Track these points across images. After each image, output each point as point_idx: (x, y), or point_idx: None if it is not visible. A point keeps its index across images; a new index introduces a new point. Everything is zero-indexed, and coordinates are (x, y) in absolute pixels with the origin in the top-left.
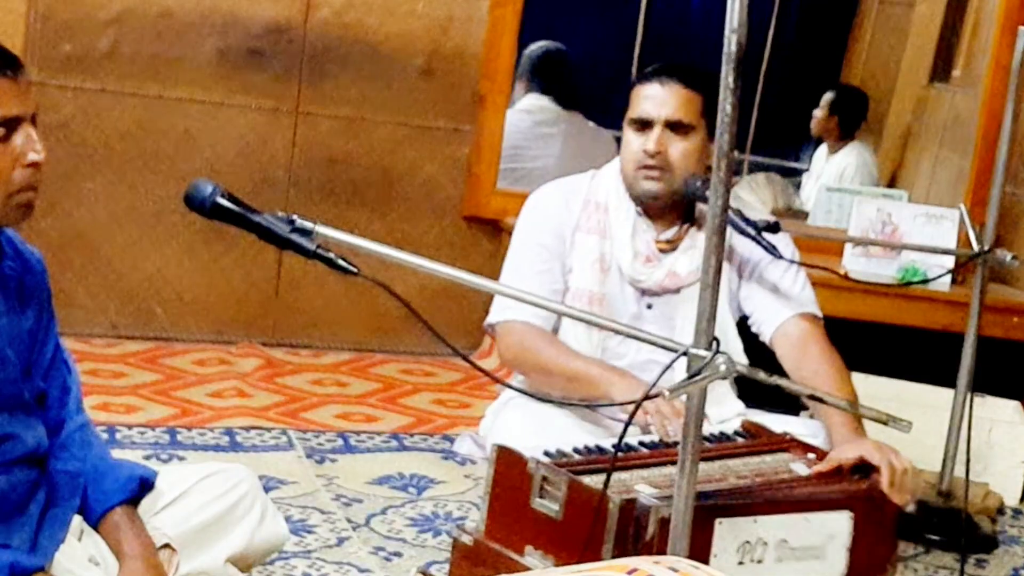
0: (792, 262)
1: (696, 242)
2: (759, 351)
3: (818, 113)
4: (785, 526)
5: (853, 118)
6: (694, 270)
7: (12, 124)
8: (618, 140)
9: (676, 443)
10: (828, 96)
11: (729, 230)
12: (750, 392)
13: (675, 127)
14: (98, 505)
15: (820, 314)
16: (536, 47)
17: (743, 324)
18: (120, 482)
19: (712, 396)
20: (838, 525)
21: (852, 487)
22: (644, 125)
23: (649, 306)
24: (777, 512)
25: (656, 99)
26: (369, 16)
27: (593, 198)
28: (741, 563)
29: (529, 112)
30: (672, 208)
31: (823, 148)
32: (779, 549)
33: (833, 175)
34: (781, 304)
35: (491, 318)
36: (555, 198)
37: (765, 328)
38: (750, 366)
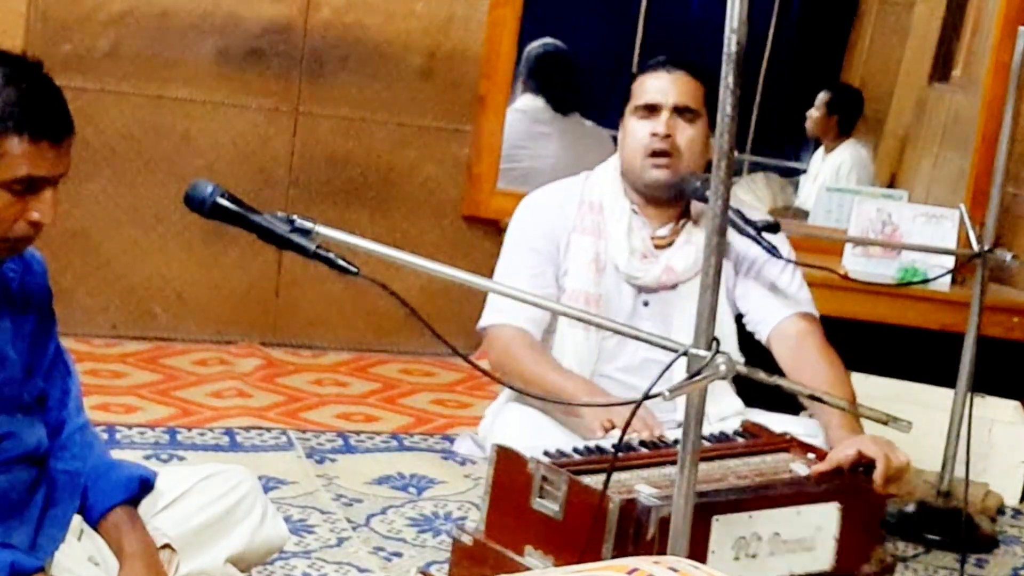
0: (789, 261)
1: (692, 237)
2: (753, 348)
3: (814, 113)
4: (777, 520)
5: (849, 116)
6: (690, 265)
7: (35, 184)
8: (615, 139)
9: (676, 442)
10: (823, 96)
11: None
12: (748, 390)
13: (682, 112)
14: (98, 505)
15: (817, 314)
16: (535, 46)
17: (737, 322)
18: (120, 482)
19: (710, 394)
20: (826, 516)
21: (839, 479)
22: (651, 110)
23: (646, 303)
24: (770, 506)
25: (663, 86)
26: (369, 16)
27: (587, 198)
28: (736, 558)
29: (524, 112)
30: (668, 204)
31: (820, 148)
32: (772, 543)
33: (829, 173)
34: (778, 303)
35: (482, 321)
36: (549, 202)
37: (762, 327)
38: (748, 365)
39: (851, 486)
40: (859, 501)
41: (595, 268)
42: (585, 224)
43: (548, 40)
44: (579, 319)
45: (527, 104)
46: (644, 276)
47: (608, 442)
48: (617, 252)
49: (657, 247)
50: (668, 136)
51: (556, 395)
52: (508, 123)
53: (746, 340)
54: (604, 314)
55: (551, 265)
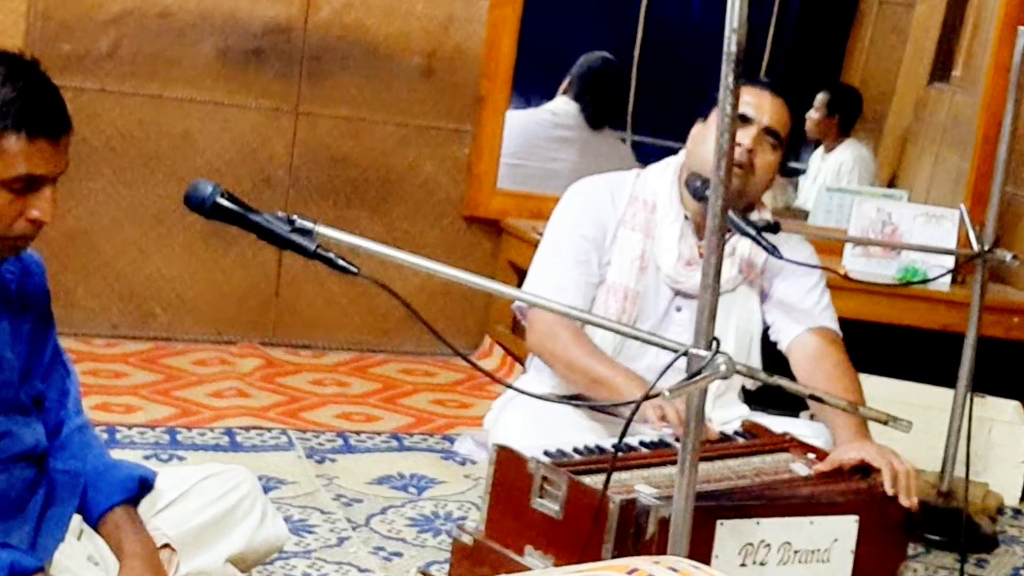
0: (815, 267)
1: (736, 249)
2: (783, 362)
3: (813, 114)
4: (788, 529)
5: (849, 116)
6: (732, 277)
7: (34, 182)
8: (635, 150)
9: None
10: (822, 96)
11: (756, 248)
12: (759, 400)
13: (770, 135)
14: (98, 505)
15: (840, 332)
16: (594, 57)
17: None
18: (120, 482)
19: (718, 401)
20: (843, 529)
21: (855, 488)
22: (743, 122)
23: (679, 308)
24: (780, 515)
25: (762, 104)
26: (369, 16)
27: (640, 195)
28: (743, 565)
29: (554, 114)
30: None
31: (820, 148)
32: (782, 552)
33: (831, 173)
34: (801, 316)
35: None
36: (600, 191)
37: (783, 337)
38: (764, 372)
39: (869, 497)
40: (879, 514)
41: (639, 266)
42: (636, 220)
43: (607, 54)
44: (587, 322)
45: (559, 107)
46: (686, 282)
47: (608, 442)
48: (664, 255)
49: (702, 256)
50: (751, 151)
51: (604, 385)
52: (532, 121)
53: (776, 355)
54: (639, 312)
55: (597, 253)
